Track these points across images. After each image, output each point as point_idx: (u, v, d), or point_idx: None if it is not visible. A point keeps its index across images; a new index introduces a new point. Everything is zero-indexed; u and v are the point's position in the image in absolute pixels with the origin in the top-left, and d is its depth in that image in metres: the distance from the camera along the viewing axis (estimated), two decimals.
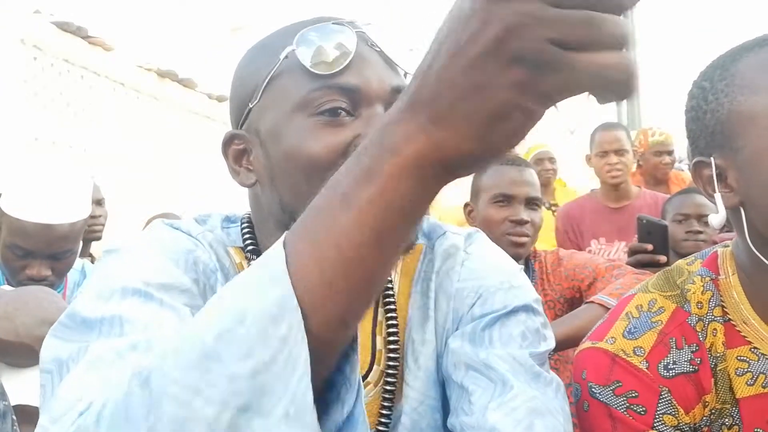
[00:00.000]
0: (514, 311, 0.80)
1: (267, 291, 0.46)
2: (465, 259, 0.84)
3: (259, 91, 0.75)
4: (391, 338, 0.80)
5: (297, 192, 0.73)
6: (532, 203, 1.80)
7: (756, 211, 0.82)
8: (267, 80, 0.74)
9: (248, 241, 0.81)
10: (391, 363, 0.79)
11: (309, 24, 0.75)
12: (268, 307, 0.46)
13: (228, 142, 0.80)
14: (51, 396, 0.58)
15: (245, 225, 0.84)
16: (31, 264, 1.49)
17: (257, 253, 0.80)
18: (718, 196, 0.84)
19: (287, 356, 0.45)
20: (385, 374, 0.79)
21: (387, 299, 0.82)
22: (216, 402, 0.45)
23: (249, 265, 0.79)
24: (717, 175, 0.84)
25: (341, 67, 0.72)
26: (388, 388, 0.78)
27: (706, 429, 0.88)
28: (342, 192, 0.46)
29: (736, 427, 0.87)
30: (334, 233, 0.46)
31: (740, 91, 0.81)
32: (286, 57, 0.73)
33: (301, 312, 0.45)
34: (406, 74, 0.79)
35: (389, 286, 0.83)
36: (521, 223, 1.76)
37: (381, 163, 0.45)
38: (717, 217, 0.85)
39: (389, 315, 0.81)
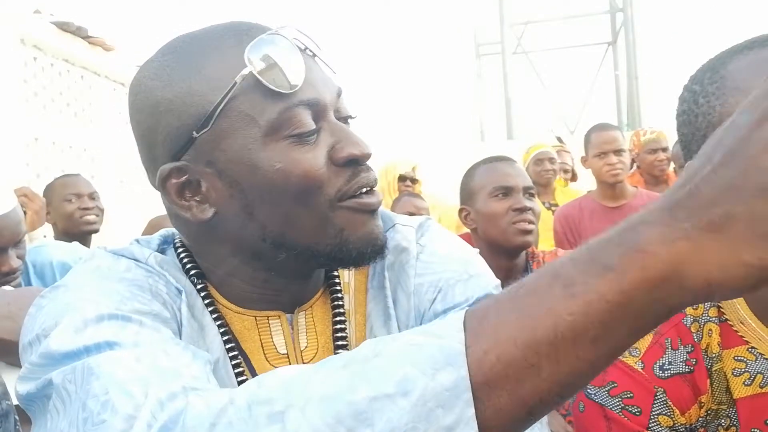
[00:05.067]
0: (477, 303, 0.80)
1: (439, 370, 0.44)
2: (420, 252, 0.82)
3: (211, 118, 0.68)
4: (339, 334, 0.78)
5: (288, 218, 0.70)
6: (528, 192, 1.84)
7: None
8: (222, 106, 0.68)
9: (189, 265, 0.77)
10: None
11: (242, 37, 0.69)
12: (438, 390, 0.44)
13: (167, 177, 0.71)
14: (92, 399, 0.54)
15: (181, 249, 0.79)
16: (1, 261, 1.46)
17: (201, 276, 0.76)
18: None
19: None
20: None
21: (336, 301, 0.80)
22: None
23: (196, 287, 0.76)
24: None
25: (302, 82, 0.68)
26: None
27: (702, 430, 0.89)
28: (567, 282, 0.44)
29: (733, 427, 0.88)
30: (550, 318, 0.43)
31: (731, 93, 0.80)
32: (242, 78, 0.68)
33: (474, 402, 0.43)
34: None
35: (337, 287, 0.81)
36: (525, 210, 1.79)
37: (626, 261, 0.42)
38: None
39: (337, 311, 0.80)
